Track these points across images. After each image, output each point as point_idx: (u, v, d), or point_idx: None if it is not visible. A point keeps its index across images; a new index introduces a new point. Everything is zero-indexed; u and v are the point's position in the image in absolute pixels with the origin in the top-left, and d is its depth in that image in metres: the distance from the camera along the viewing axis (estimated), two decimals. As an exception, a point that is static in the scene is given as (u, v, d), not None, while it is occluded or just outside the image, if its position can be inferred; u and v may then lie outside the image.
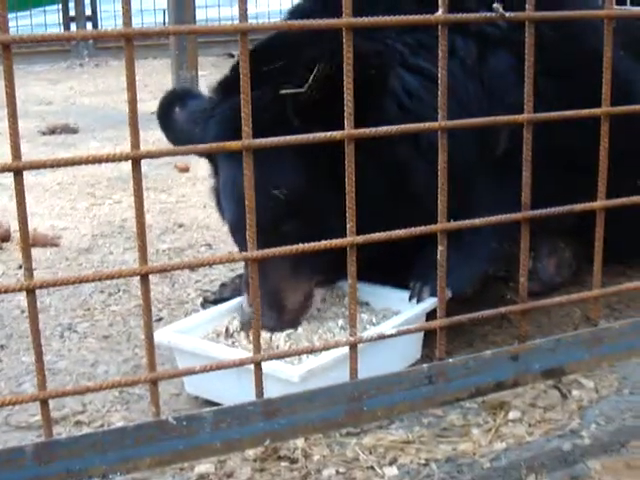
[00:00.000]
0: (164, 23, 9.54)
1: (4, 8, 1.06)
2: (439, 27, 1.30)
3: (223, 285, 2.23)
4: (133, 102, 1.15)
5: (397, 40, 1.98)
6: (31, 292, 1.15)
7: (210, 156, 2.10)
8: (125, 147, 4.66)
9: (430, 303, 1.98)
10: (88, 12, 10.10)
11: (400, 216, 1.85)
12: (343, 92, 1.23)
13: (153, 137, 4.03)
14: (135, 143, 1.16)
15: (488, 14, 1.31)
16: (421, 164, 1.88)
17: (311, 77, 1.72)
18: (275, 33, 2.03)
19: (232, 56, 9.23)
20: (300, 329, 1.92)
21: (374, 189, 1.83)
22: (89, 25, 9.97)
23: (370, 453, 1.61)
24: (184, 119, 2.08)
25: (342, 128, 1.26)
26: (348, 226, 1.30)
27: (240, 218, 1.77)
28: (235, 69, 2.01)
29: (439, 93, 1.32)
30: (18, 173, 1.11)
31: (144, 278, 1.20)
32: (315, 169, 1.85)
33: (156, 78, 7.25)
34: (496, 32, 2.04)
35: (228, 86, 2.00)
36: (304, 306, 1.96)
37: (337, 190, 1.66)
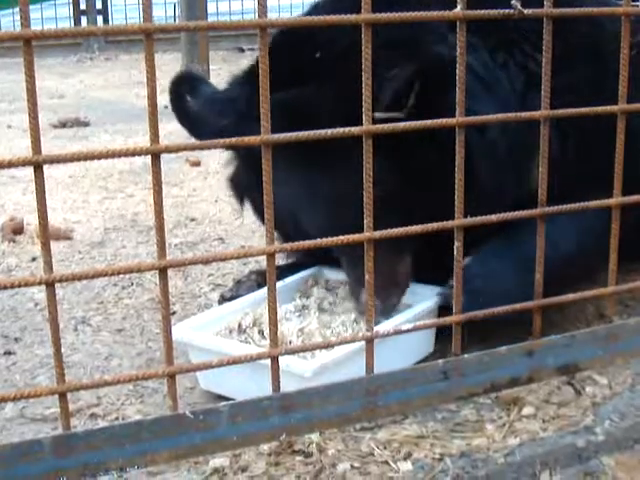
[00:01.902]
0: (174, 16, 9.56)
1: (26, 3, 1.07)
2: (457, 23, 1.31)
3: (239, 282, 2.21)
4: (152, 97, 1.15)
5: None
6: (51, 286, 1.15)
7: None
8: (137, 140, 4.67)
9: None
10: (99, 5, 10.15)
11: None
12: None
13: (164, 130, 4.03)
14: (154, 138, 1.16)
15: (507, 11, 1.31)
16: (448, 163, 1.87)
17: (410, 100, 1.74)
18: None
19: (242, 50, 9.24)
20: (313, 323, 1.93)
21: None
22: (99, 18, 10.03)
23: (385, 448, 1.61)
24: (199, 107, 1.99)
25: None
26: (365, 222, 1.30)
27: (332, 221, 1.81)
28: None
29: (457, 90, 1.32)
30: (38, 167, 1.11)
31: (162, 272, 1.21)
32: (408, 167, 1.86)
33: (166, 72, 7.24)
34: None
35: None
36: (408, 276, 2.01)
37: (430, 186, 1.81)
